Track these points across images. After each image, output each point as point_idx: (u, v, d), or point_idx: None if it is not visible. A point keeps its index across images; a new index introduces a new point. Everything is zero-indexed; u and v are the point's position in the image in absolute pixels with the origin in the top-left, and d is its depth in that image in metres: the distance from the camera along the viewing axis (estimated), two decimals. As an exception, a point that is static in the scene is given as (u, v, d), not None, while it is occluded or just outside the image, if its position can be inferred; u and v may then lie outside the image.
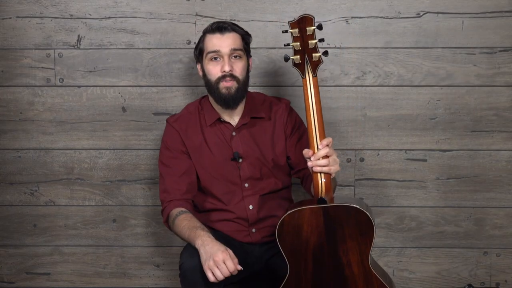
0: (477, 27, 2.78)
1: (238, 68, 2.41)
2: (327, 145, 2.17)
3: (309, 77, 2.22)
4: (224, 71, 2.38)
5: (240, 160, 2.46)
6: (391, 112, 2.84)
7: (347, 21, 2.80)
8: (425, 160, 2.86)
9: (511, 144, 2.85)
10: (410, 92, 2.83)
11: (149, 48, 2.83)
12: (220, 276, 2.12)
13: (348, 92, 2.83)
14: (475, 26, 2.78)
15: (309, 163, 2.18)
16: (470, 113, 2.84)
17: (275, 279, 2.44)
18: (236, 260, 2.15)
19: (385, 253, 2.92)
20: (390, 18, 2.80)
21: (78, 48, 2.84)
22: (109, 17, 2.82)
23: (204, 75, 2.46)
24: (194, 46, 2.80)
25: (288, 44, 2.22)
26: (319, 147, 2.18)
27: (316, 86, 2.22)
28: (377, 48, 2.81)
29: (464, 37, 2.79)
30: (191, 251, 2.24)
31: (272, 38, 2.80)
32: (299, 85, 2.83)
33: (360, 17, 2.80)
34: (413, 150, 2.86)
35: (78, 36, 2.83)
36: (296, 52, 2.20)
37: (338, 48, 2.81)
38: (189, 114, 2.53)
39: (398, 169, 2.87)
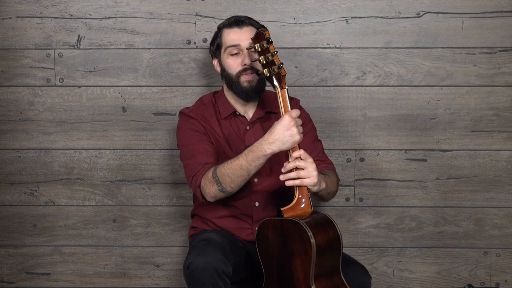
0: (477, 27, 2.78)
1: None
2: (298, 158, 2.19)
3: (278, 90, 2.25)
4: (245, 64, 2.40)
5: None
6: (391, 112, 2.84)
7: (347, 21, 2.80)
8: (425, 160, 2.86)
9: (511, 144, 2.85)
10: (410, 92, 2.83)
11: (149, 48, 2.83)
12: (299, 137, 2.17)
13: (348, 92, 2.84)
14: (475, 26, 2.78)
15: (281, 177, 2.21)
16: (470, 113, 2.84)
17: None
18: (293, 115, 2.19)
19: (385, 253, 2.92)
20: (390, 18, 2.80)
21: (78, 48, 2.84)
22: (109, 17, 2.82)
23: (223, 70, 2.46)
24: (194, 46, 2.81)
25: (255, 60, 2.29)
26: (289, 159, 2.20)
27: (285, 99, 2.23)
28: (377, 48, 2.81)
29: (464, 37, 2.79)
30: (200, 249, 2.22)
31: (272, 38, 2.79)
32: (299, 85, 2.83)
33: (360, 17, 2.80)
34: (413, 150, 2.86)
35: (78, 36, 2.83)
36: (263, 66, 2.25)
37: (338, 48, 2.81)
38: (203, 105, 2.52)
39: (398, 169, 2.87)
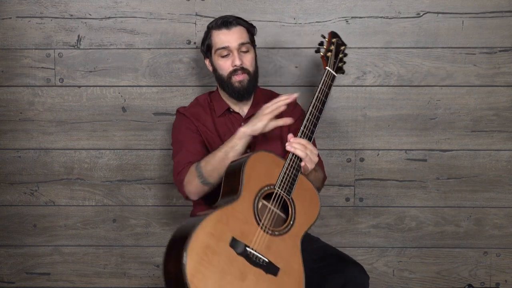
0: (477, 27, 2.78)
1: (248, 61, 2.45)
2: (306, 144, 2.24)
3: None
4: (235, 65, 2.42)
5: (248, 150, 2.47)
6: (391, 112, 2.84)
7: (347, 21, 2.80)
8: (425, 160, 2.86)
9: (511, 144, 2.85)
10: (410, 92, 2.83)
11: (149, 48, 2.83)
12: (270, 114, 2.25)
13: (348, 92, 2.84)
14: (475, 26, 2.78)
15: (287, 146, 2.24)
16: (470, 113, 2.84)
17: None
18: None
19: (385, 253, 2.92)
20: (390, 18, 2.80)
21: (78, 48, 2.84)
22: (109, 17, 2.82)
23: (215, 70, 2.50)
24: (194, 46, 2.81)
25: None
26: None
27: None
28: (377, 48, 2.81)
29: (464, 37, 2.79)
30: None
31: (272, 38, 2.80)
32: (299, 85, 2.83)
33: (360, 17, 2.80)
34: (413, 150, 2.86)
35: (78, 36, 2.83)
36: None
37: (338, 48, 2.81)
38: (199, 105, 2.56)
39: (398, 169, 2.87)
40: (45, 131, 2.88)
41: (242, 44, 2.44)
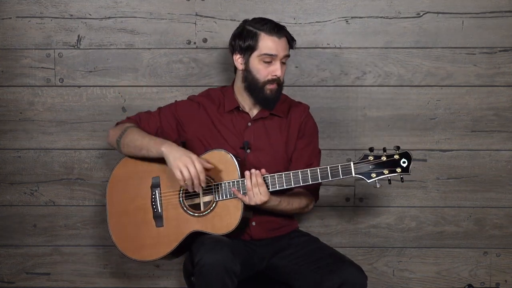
0: (477, 27, 2.78)
1: (283, 73, 2.46)
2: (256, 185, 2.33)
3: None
4: (276, 75, 2.42)
5: (248, 150, 2.47)
6: (391, 112, 2.84)
7: (347, 21, 2.80)
8: (425, 160, 2.86)
9: (511, 144, 2.85)
10: (410, 92, 2.83)
11: (149, 48, 2.83)
12: (188, 175, 2.27)
13: (348, 92, 2.83)
14: (475, 26, 2.78)
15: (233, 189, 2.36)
16: (470, 113, 2.84)
17: (278, 278, 2.45)
18: (202, 163, 2.32)
19: (385, 253, 2.92)
20: (390, 18, 2.80)
21: (78, 48, 2.84)
22: (109, 17, 2.82)
23: (247, 71, 2.44)
24: (194, 46, 2.80)
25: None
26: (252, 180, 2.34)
27: None
28: (377, 48, 2.81)
29: (464, 37, 2.79)
30: (209, 247, 2.22)
31: (272, 38, 2.80)
32: (299, 85, 2.83)
33: (360, 17, 2.80)
34: (413, 150, 2.85)
35: (78, 36, 2.83)
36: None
37: (338, 48, 2.81)
38: (209, 96, 2.57)
39: (398, 169, 2.86)
40: (45, 131, 2.88)
41: (286, 56, 2.44)
